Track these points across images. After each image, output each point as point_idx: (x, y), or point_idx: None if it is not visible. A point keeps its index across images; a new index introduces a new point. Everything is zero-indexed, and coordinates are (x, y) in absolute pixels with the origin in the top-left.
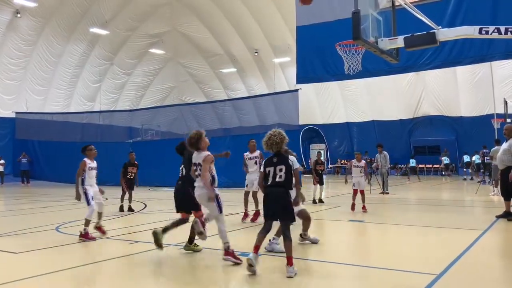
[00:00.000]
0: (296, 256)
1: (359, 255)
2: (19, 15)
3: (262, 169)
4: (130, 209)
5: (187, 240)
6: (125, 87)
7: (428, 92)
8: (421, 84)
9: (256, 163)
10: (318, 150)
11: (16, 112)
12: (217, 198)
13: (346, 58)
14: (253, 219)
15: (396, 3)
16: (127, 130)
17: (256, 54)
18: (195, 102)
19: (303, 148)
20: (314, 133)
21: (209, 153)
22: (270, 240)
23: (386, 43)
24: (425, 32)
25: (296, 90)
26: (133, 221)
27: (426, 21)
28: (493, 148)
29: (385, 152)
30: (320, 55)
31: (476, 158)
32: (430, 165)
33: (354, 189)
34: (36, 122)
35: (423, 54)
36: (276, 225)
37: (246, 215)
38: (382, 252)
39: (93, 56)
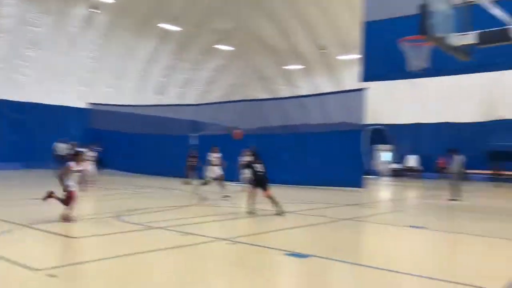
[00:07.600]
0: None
1: (420, 263)
2: (95, 11)
3: None
4: None
5: None
6: (192, 82)
7: (508, 94)
8: (500, 85)
9: None
10: None
11: (90, 103)
12: None
13: (412, 55)
14: None
15: None
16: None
17: (323, 51)
18: (259, 98)
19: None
20: (381, 133)
21: None
22: None
23: (456, 39)
24: (498, 28)
25: (362, 89)
26: (188, 212)
27: (502, 16)
28: None
29: (461, 156)
30: (387, 52)
31: None
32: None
33: None
34: (107, 113)
35: (500, 52)
36: None
37: None
38: (443, 262)
39: (162, 51)
